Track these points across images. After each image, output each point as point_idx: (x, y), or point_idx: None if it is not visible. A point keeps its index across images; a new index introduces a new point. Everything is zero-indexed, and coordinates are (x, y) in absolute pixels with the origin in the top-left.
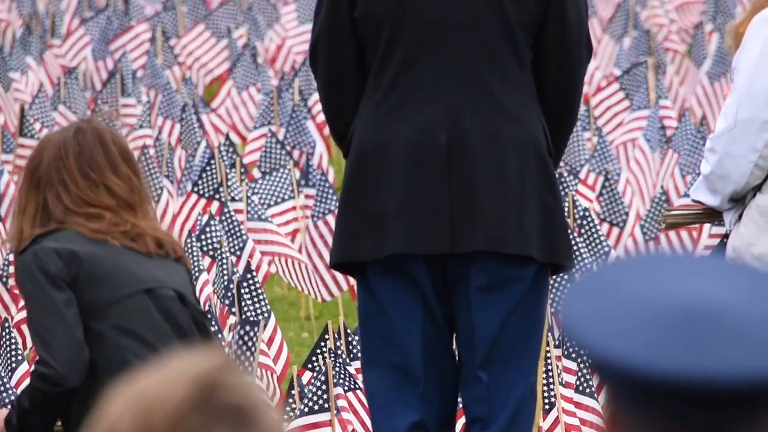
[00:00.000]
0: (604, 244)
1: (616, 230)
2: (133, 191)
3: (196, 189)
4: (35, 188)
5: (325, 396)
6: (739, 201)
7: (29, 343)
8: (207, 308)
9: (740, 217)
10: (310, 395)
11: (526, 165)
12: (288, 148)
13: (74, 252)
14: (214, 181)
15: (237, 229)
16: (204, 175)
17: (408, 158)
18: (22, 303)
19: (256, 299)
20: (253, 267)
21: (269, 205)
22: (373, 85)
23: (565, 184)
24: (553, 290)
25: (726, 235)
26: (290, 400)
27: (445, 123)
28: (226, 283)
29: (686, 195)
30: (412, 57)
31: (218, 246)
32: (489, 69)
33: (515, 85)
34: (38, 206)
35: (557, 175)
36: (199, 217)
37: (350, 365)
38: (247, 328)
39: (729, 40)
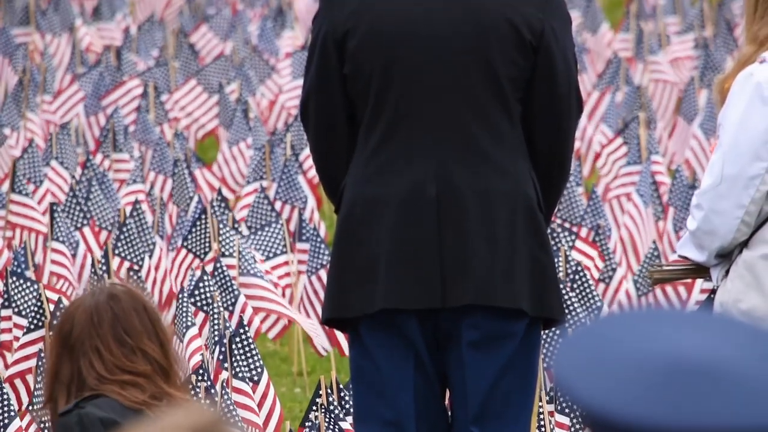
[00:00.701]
0: (596, 299)
1: (602, 286)
2: (167, 357)
3: (186, 244)
4: (68, 355)
5: None
6: (726, 257)
7: (24, 399)
8: (200, 363)
9: (727, 272)
10: None
11: (516, 219)
12: (280, 203)
13: (117, 423)
14: (206, 236)
15: (229, 284)
16: (195, 230)
17: (398, 213)
18: (14, 356)
19: (248, 355)
20: (245, 322)
21: (263, 260)
22: (364, 140)
23: (557, 239)
24: (546, 345)
25: (713, 291)
26: None
27: (434, 178)
28: (217, 338)
29: (673, 252)
30: (401, 112)
31: (211, 301)
32: (478, 123)
33: (505, 140)
34: (72, 374)
35: (550, 230)
36: (192, 272)
37: (344, 420)
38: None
39: (716, 94)
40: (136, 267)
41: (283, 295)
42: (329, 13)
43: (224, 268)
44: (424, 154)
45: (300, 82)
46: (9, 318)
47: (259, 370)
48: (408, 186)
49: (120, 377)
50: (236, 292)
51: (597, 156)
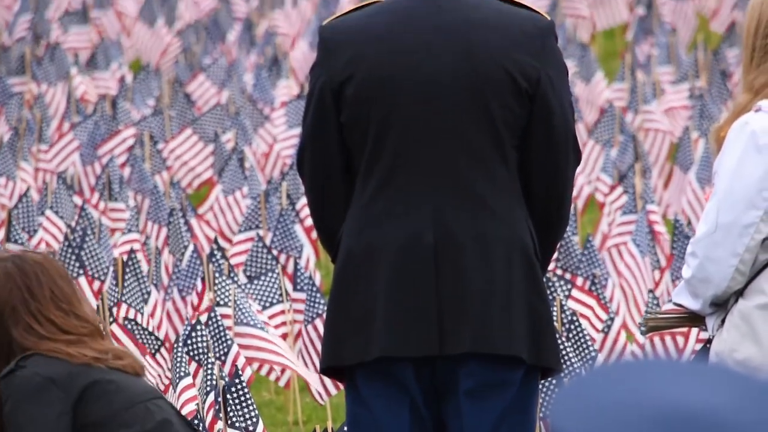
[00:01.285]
0: (591, 349)
1: (600, 335)
2: (96, 318)
3: (182, 294)
4: None
5: None
6: (721, 306)
7: None
8: (195, 414)
9: (723, 322)
10: None
11: (513, 267)
12: (275, 252)
13: (71, 375)
14: (198, 285)
15: (223, 333)
16: (190, 280)
17: (395, 261)
18: None
19: (243, 404)
20: (240, 372)
21: (260, 310)
22: (361, 189)
23: (553, 288)
24: (543, 395)
25: (709, 341)
26: None
27: (431, 225)
28: (209, 389)
29: (669, 300)
30: (398, 160)
31: (205, 351)
32: (475, 170)
33: (501, 187)
34: (2, 342)
35: (546, 279)
36: (186, 322)
37: None
38: None
39: (712, 143)
40: (131, 315)
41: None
42: (326, 63)
43: (218, 318)
44: (420, 201)
45: (295, 131)
46: None
47: (254, 419)
48: (405, 233)
49: (63, 338)
50: (229, 342)
51: (602, 205)
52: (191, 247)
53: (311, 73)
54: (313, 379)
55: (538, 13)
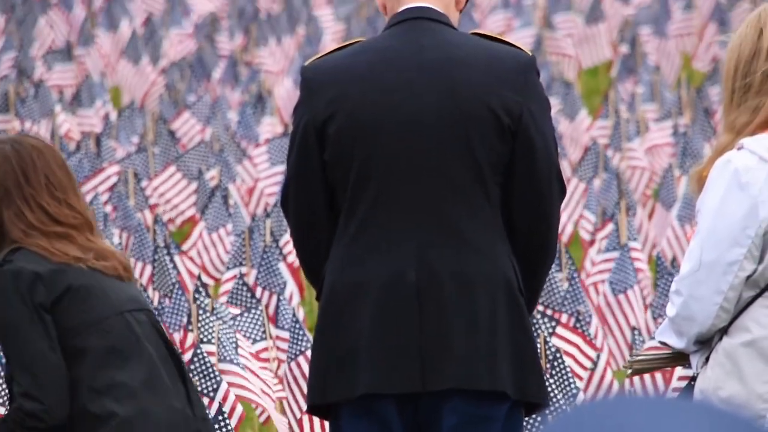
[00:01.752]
0: (575, 386)
1: (585, 373)
2: (88, 212)
3: (169, 332)
4: None
5: None
6: (706, 343)
7: None
8: None
9: (707, 360)
10: None
11: (497, 302)
12: (260, 289)
13: (53, 273)
14: (184, 322)
15: (211, 370)
16: (176, 317)
17: (378, 298)
18: None
19: None
20: (225, 410)
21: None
22: (344, 226)
23: (537, 325)
24: (527, 431)
25: (693, 378)
26: None
27: (414, 262)
28: None
29: (652, 338)
30: (380, 197)
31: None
32: (458, 207)
33: (484, 223)
34: None
35: (531, 315)
36: None
37: None
38: None
39: (693, 184)
40: None
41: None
42: (309, 102)
43: (205, 355)
44: (403, 239)
45: (279, 168)
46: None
47: None
48: (388, 271)
49: (52, 228)
50: (218, 379)
51: (591, 242)
52: (176, 285)
53: (295, 112)
54: (281, 421)
55: (520, 49)
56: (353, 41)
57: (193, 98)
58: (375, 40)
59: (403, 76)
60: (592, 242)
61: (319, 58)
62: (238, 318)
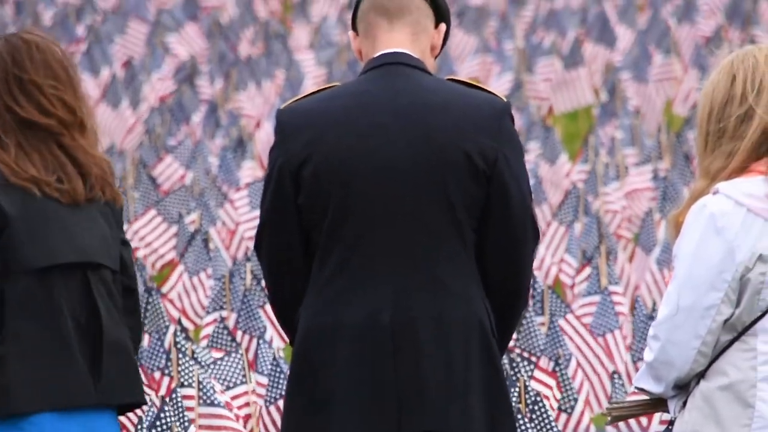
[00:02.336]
0: (554, 429)
1: (564, 416)
2: (83, 110)
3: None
4: None
5: None
6: (683, 388)
7: None
8: None
9: (684, 404)
10: None
11: (470, 347)
12: (240, 332)
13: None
14: (165, 365)
15: (182, 415)
16: (153, 360)
17: (352, 342)
18: None
19: None
20: None
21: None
22: (318, 270)
23: (516, 369)
24: None
25: (671, 422)
26: None
27: (389, 305)
28: None
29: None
30: (355, 241)
31: None
32: (433, 252)
33: (459, 267)
34: None
35: (509, 359)
36: (150, 404)
37: None
38: None
39: (670, 229)
40: None
41: (245, 425)
42: (284, 146)
43: (179, 400)
44: (377, 282)
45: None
46: None
47: None
48: (362, 314)
49: (37, 126)
50: (186, 424)
51: (572, 286)
52: (153, 329)
53: (270, 155)
54: None
55: (494, 94)
56: (329, 86)
57: (173, 142)
58: (350, 85)
59: (377, 121)
60: (572, 286)
61: (294, 101)
62: (218, 362)
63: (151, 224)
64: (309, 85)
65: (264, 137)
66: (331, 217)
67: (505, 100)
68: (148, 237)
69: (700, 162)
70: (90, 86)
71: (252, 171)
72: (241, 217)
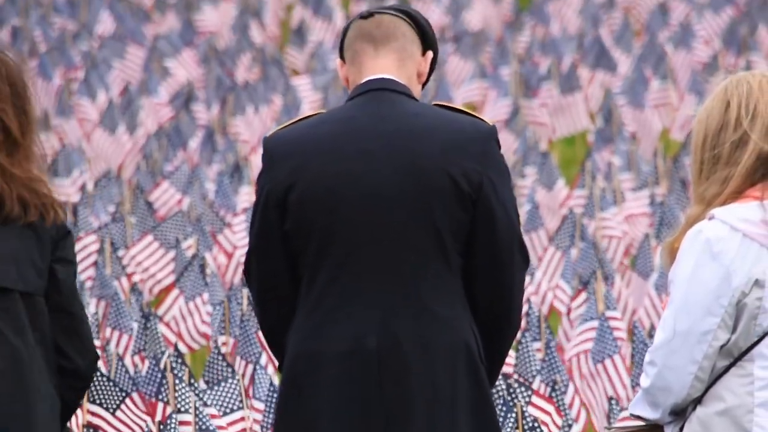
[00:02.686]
0: None
1: None
2: (23, 133)
3: (145, 400)
4: None
5: None
6: (680, 414)
7: None
8: None
9: (681, 429)
10: None
11: (457, 370)
12: (238, 358)
13: None
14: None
15: None
16: (151, 385)
17: (339, 367)
18: None
19: None
20: None
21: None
22: (305, 295)
23: (514, 395)
24: None
25: None
26: None
27: (375, 330)
28: None
29: (625, 409)
30: (341, 266)
31: None
32: (419, 276)
33: (446, 292)
34: None
35: (507, 385)
36: (147, 429)
37: None
38: None
39: (665, 256)
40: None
41: None
42: (271, 172)
43: (175, 426)
44: (364, 307)
45: None
46: None
47: None
48: (348, 339)
49: None
50: None
51: (568, 312)
52: (151, 354)
53: (257, 182)
54: None
55: (480, 119)
56: (315, 113)
57: (170, 168)
58: (336, 111)
59: (363, 147)
60: (568, 312)
61: (281, 129)
62: (215, 388)
63: (148, 250)
64: (305, 111)
65: (260, 163)
66: (317, 242)
67: (490, 123)
68: (145, 262)
69: (694, 188)
70: (88, 111)
71: (249, 196)
72: (238, 242)
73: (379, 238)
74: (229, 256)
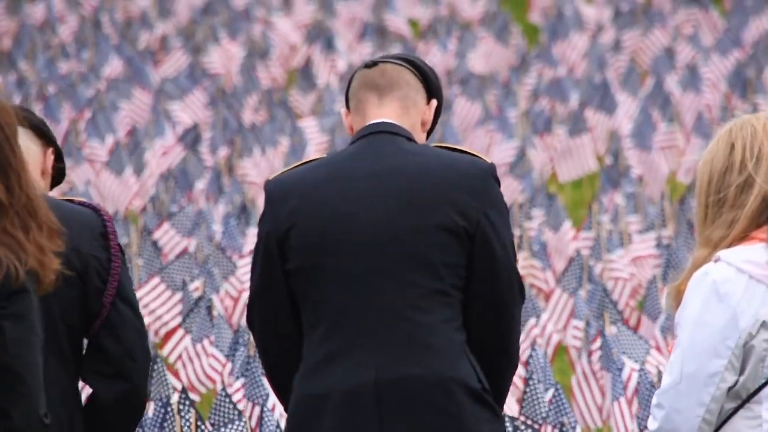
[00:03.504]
0: None
1: None
2: (10, 191)
3: None
4: None
5: None
6: None
7: None
8: None
9: None
10: None
11: (461, 406)
12: (245, 400)
13: None
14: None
15: None
16: (157, 427)
17: (339, 408)
18: None
19: None
20: None
21: None
22: (308, 337)
23: None
24: None
25: None
26: None
27: (374, 370)
28: None
29: None
30: (341, 307)
31: None
32: (417, 314)
33: (445, 329)
34: None
35: (514, 428)
36: None
37: None
38: None
39: (670, 299)
40: None
41: None
42: (271, 214)
43: None
44: (364, 346)
45: None
46: None
47: None
48: (349, 380)
49: None
50: None
51: (590, 353)
52: (158, 395)
53: (259, 225)
54: None
55: (479, 157)
56: (316, 157)
57: (176, 209)
58: (336, 154)
59: (361, 185)
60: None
61: (282, 173)
62: (223, 429)
63: (155, 291)
64: (312, 152)
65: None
66: (316, 283)
67: (489, 162)
68: (152, 304)
69: (700, 231)
70: (95, 153)
71: (256, 238)
72: (245, 284)
73: (378, 277)
74: (235, 300)
